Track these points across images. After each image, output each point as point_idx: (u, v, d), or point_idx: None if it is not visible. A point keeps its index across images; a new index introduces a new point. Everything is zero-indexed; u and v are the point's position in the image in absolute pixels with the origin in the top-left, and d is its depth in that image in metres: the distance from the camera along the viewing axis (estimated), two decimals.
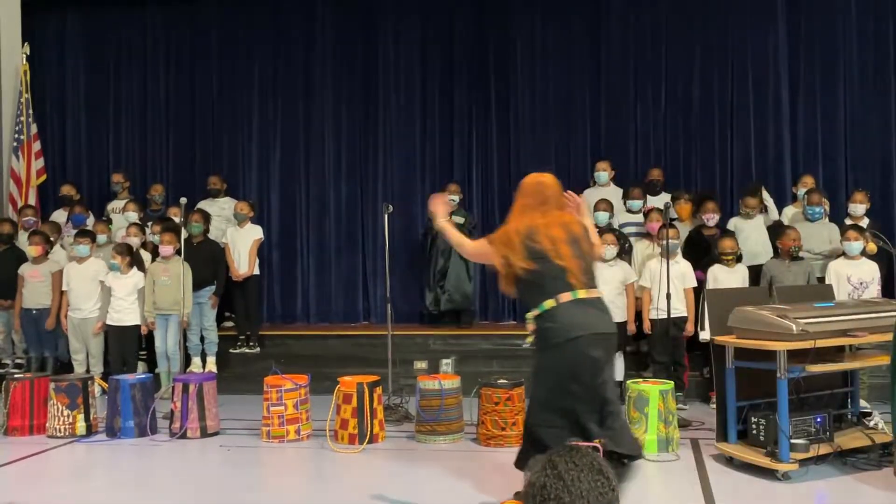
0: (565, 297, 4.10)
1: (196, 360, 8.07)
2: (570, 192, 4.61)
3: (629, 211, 8.12)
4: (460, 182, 9.65)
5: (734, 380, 5.19)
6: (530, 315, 4.23)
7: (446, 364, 6.65)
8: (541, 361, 4.22)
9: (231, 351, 8.50)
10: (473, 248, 4.61)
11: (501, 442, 5.79)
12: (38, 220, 9.01)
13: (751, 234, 7.57)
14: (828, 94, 9.02)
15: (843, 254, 6.87)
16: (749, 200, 7.73)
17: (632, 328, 7.24)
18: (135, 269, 7.73)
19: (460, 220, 8.70)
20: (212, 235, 8.45)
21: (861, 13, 8.96)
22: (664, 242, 6.83)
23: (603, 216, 7.77)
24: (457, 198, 8.83)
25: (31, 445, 6.09)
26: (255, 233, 8.62)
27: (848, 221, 7.35)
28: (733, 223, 7.74)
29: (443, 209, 4.71)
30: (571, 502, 1.70)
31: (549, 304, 4.12)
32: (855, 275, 6.74)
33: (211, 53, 10.22)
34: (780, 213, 8.07)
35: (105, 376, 7.43)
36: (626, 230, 7.96)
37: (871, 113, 8.93)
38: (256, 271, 8.64)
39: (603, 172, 8.54)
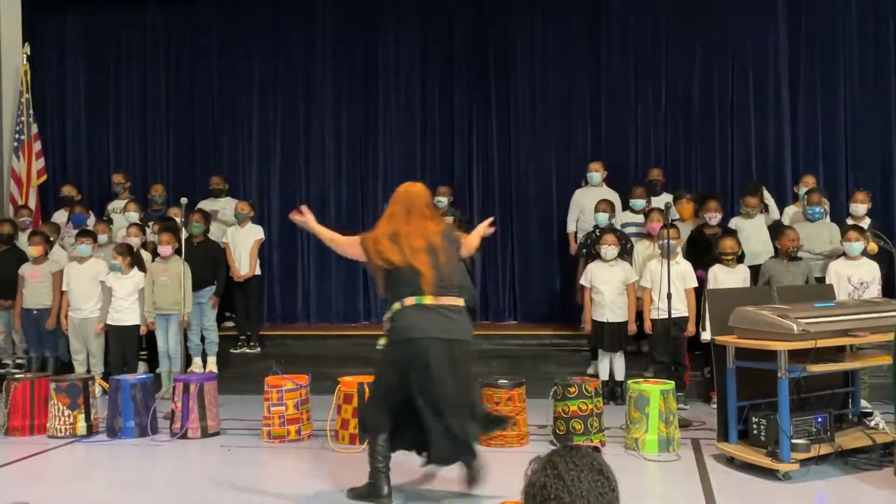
0: (409, 301, 4.40)
1: (197, 360, 8.07)
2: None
3: (632, 210, 8.13)
4: (460, 181, 9.67)
5: (735, 380, 5.19)
6: (385, 317, 4.56)
7: None
8: (384, 355, 4.57)
9: (232, 351, 8.50)
10: (345, 241, 4.80)
11: (502, 442, 5.78)
12: (33, 220, 9.01)
13: (751, 233, 7.56)
14: (828, 94, 9.02)
15: (844, 254, 6.86)
16: (749, 200, 7.72)
17: (632, 328, 7.24)
18: (135, 269, 7.73)
19: (450, 219, 8.72)
20: (212, 235, 8.45)
21: (861, 13, 8.96)
22: (662, 242, 6.83)
23: (603, 217, 7.77)
24: (445, 200, 8.80)
25: (32, 445, 6.08)
26: (255, 233, 8.61)
27: (849, 221, 7.34)
28: (734, 223, 7.73)
29: (300, 220, 4.92)
30: (572, 502, 1.69)
31: (396, 306, 4.44)
32: (855, 275, 6.73)
33: (211, 53, 10.23)
34: (780, 213, 8.06)
35: (105, 376, 7.43)
36: (628, 230, 7.95)
37: (871, 113, 8.93)
38: (257, 271, 8.64)
39: (595, 173, 8.53)
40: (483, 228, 5.04)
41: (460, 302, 4.52)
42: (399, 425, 4.54)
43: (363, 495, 4.61)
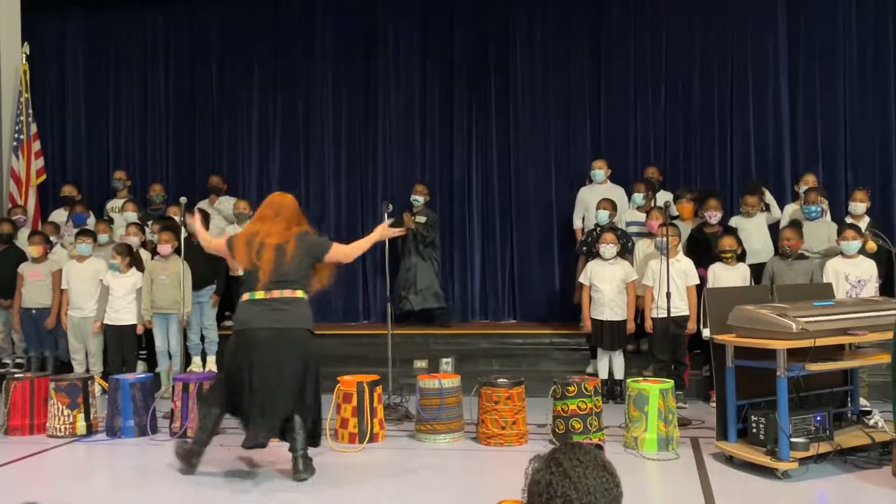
0: (245, 296, 5.04)
1: (196, 360, 8.07)
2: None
3: (635, 206, 8.15)
4: (459, 181, 9.67)
5: (734, 378, 5.19)
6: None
7: (446, 363, 6.66)
8: (228, 346, 5.22)
9: None
10: (216, 244, 5.48)
11: (501, 441, 5.79)
12: (27, 218, 9.01)
13: (752, 232, 7.56)
14: (827, 94, 9.00)
15: (841, 252, 6.85)
16: (749, 199, 7.73)
17: (631, 326, 7.24)
18: (133, 268, 7.72)
19: (422, 219, 8.74)
20: (212, 234, 8.43)
21: (860, 14, 8.94)
22: (658, 240, 6.83)
23: (603, 214, 7.80)
24: (421, 199, 8.86)
25: (32, 445, 6.08)
26: None
27: (848, 220, 7.33)
28: (734, 222, 7.73)
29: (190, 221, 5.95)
30: (578, 499, 1.69)
31: (239, 302, 5.11)
32: (853, 273, 6.73)
33: (211, 53, 10.23)
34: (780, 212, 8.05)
35: (105, 375, 7.42)
36: (631, 229, 7.97)
37: (870, 112, 8.91)
38: None
39: (599, 171, 8.55)
40: (378, 233, 5.53)
41: (297, 294, 5.01)
42: (237, 409, 5.05)
43: (181, 454, 5.12)
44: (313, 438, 5.12)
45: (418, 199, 8.89)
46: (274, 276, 4.95)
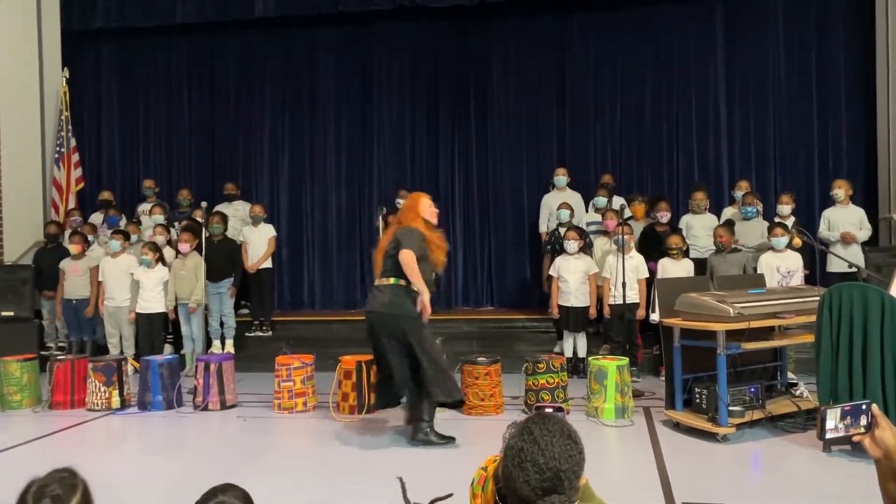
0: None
1: (216, 343, 8.01)
2: None
3: (594, 207, 8.14)
4: (444, 187, 9.63)
5: (680, 356, 5.20)
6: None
7: None
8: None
9: (247, 334, 8.43)
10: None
11: (481, 411, 5.78)
12: (82, 220, 8.94)
13: (700, 229, 7.59)
14: (759, 112, 9.05)
15: (772, 247, 6.89)
16: (697, 194, 7.77)
17: (592, 312, 7.25)
18: (160, 264, 7.66)
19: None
20: (230, 234, 8.37)
21: (787, 47, 9.00)
22: (616, 238, 6.85)
23: (564, 213, 7.83)
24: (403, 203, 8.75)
25: (73, 418, 6.02)
26: (268, 231, 8.55)
27: (777, 220, 7.37)
28: (685, 220, 7.77)
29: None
30: (545, 463, 1.69)
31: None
32: (783, 265, 6.76)
33: (228, 76, 10.14)
34: (720, 214, 8.06)
35: (136, 357, 7.35)
36: (590, 228, 7.97)
37: (795, 129, 8.97)
38: (269, 265, 8.57)
39: (561, 177, 8.54)
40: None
41: (389, 281, 4.98)
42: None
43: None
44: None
45: (401, 202, 8.77)
46: (378, 266, 5.10)
